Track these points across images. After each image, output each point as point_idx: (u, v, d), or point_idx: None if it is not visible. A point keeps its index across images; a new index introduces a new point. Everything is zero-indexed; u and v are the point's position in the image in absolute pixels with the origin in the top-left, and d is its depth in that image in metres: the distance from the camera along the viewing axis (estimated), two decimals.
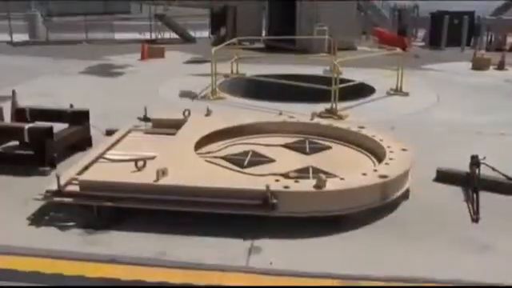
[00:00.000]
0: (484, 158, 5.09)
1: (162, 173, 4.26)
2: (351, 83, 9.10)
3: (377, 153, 5.36)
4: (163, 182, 4.22)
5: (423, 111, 8.59)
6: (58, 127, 5.93)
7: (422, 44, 19.04)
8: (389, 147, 5.16)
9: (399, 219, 4.45)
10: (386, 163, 4.79)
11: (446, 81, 11.57)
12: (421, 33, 20.42)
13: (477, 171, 5.00)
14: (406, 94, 9.79)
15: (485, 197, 4.75)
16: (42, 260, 3.70)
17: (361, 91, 9.70)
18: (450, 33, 17.80)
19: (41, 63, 13.33)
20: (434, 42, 18.19)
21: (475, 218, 4.43)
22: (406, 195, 4.76)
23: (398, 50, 10.87)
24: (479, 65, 13.27)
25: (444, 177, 5.27)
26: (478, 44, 18.21)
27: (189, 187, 4.18)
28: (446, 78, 11.91)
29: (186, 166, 4.64)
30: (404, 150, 5.11)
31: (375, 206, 4.39)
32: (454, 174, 5.24)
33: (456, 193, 4.99)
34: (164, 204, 4.18)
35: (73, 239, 4.01)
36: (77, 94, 9.18)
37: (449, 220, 4.45)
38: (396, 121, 7.69)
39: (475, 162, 5.08)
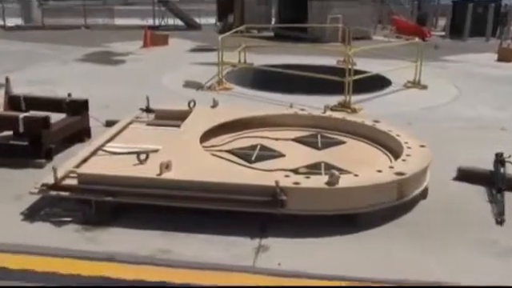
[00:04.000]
0: (510, 156, 5.05)
1: (166, 167, 4.26)
2: (366, 75, 9.08)
3: (393, 149, 5.34)
4: (166, 176, 4.23)
5: (443, 105, 8.56)
6: (55, 117, 5.94)
7: (443, 34, 18.95)
8: (406, 143, 5.14)
9: (416, 220, 4.43)
10: (403, 160, 4.77)
11: (467, 73, 11.51)
12: (441, 22, 20.32)
13: (501, 170, 4.97)
14: (425, 87, 9.76)
15: (510, 198, 4.71)
16: (36, 258, 3.70)
17: (376, 83, 9.68)
18: (474, 22, 17.66)
19: (36, 49, 13.39)
20: (455, 31, 18.09)
21: (499, 220, 4.40)
22: (424, 194, 4.73)
23: (417, 39, 10.81)
24: (505, 56, 13.17)
25: (465, 175, 5.23)
26: (505, 34, 18.06)
27: (193, 182, 4.18)
28: (467, 71, 11.85)
29: (190, 160, 4.64)
30: (422, 146, 5.08)
31: (391, 206, 4.36)
32: (477, 172, 5.20)
33: (478, 193, 4.96)
34: (167, 200, 4.18)
35: (69, 236, 4.02)
36: (75, 82, 9.23)
37: (470, 222, 4.42)
38: (413, 115, 7.66)
39: (500, 159, 5.04)
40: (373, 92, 9.23)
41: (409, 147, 5.03)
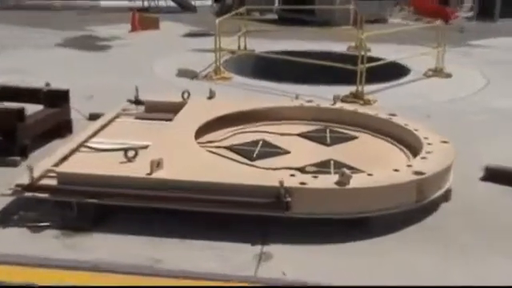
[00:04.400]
0: None
1: (157, 165, 4.28)
2: (381, 62, 9.10)
3: (411, 145, 5.36)
4: (158, 175, 4.25)
5: (468, 96, 8.58)
6: (31, 109, 5.96)
7: (469, 15, 18.91)
8: (426, 138, 5.16)
9: (438, 225, 4.45)
10: (423, 157, 4.79)
11: (497, 60, 11.50)
12: (467, 1, 20.28)
13: None
14: (448, 76, 9.76)
15: None
16: (10, 268, 3.71)
17: (392, 72, 9.68)
18: (505, 1, 17.53)
19: (8, 33, 13.40)
20: (484, 12, 17.99)
21: None
22: (446, 196, 4.75)
23: (439, 22, 10.80)
24: None
25: (493, 175, 5.24)
26: None
27: (188, 182, 4.20)
28: (497, 57, 11.83)
29: (184, 158, 4.66)
30: (444, 142, 5.10)
31: (409, 209, 4.38)
32: (506, 172, 5.22)
33: (508, 194, 4.98)
34: (158, 202, 4.20)
35: (47, 243, 4.03)
36: (54, 70, 9.24)
37: (498, 227, 4.43)
38: (435, 107, 7.68)
39: None
40: (388, 81, 9.23)
41: (429, 143, 5.04)
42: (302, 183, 4.17)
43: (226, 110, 5.92)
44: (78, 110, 6.57)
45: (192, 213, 4.19)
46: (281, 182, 4.07)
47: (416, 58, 10.12)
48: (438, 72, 9.85)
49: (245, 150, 5.31)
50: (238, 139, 5.64)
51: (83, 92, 7.47)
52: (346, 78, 8.45)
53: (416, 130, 5.42)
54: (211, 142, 5.51)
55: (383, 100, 8.06)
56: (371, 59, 8.76)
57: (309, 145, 5.58)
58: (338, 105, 6.37)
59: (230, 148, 5.37)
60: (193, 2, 19.87)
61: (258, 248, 3.99)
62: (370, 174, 4.41)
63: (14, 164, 5.35)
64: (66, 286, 3.53)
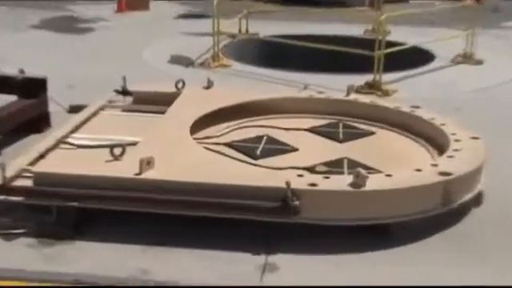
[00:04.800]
0: None
1: (147, 163, 4.28)
2: (402, 47, 9.09)
3: (437, 142, 5.37)
4: (148, 175, 4.25)
5: (502, 85, 8.56)
6: (3, 100, 5.99)
7: None
8: (453, 134, 5.16)
9: (467, 232, 4.44)
10: (450, 156, 4.79)
11: None
12: None
13: None
14: (479, 63, 9.74)
15: None
16: None
17: (415, 58, 9.67)
18: None
19: None
20: None
21: None
22: (477, 200, 4.74)
23: (470, 0, 10.76)
24: None
25: None
26: None
27: (182, 183, 4.21)
28: None
29: (178, 156, 4.67)
30: (474, 138, 5.10)
31: (434, 214, 4.37)
32: None
33: None
34: (148, 205, 4.21)
35: (22, 253, 4.03)
36: (29, 55, 9.24)
37: None
38: (464, 99, 7.66)
39: None
40: (411, 69, 9.22)
41: (457, 140, 5.05)
42: (312, 185, 4.17)
43: (225, 102, 5.92)
44: (56, 101, 6.56)
45: (186, 218, 4.19)
46: (287, 184, 4.06)
47: (442, 41, 10.07)
48: (467, 58, 9.83)
49: (247, 147, 5.32)
50: (239, 135, 5.65)
51: (63, 81, 7.47)
52: (362, 65, 8.44)
53: (442, 125, 5.42)
54: (209, 138, 5.51)
55: (404, 90, 8.05)
56: (390, 44, 8.75)
57: (319, 141, 5.58)
58: (353, 96, 6.36)
59: (229, 145, 5.38)
60: None
61: (261, 258, 3.99)
62: (388, 175, 4.41)
63: None
64: None
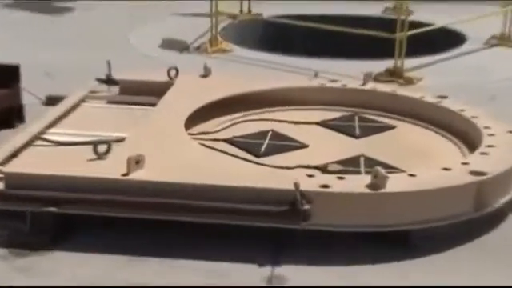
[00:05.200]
0: None
1: (136, 163, 4.28)
2: (428, 28, 9.06)
3: (467, 137, 5.37)
4: (137, 176, 4.25)
5: None
6: None
7: None
8: (487, 128, 5.17)
9: (504, 241, 4.43)
10: (483, 153, 4.78)
11: None
12: None
13: None
14: None
15: None
16: None
17: (443, 40, 9.66)
18: None
19: None
20: None
21: None
22: None
23: None
24: None
25: None
26: None
27: (176, 185, 4.20)
28: None
29: (171, 154, 4.67)
30: (511, 132, 5.10)
31: (464, 220, 4.36)
32: None
33: None
34: (137, 211, 4.20)
35: None
36: None
37: None
38: (499, 87, 7.65)
39: None
40: (437, 53, 9.21)
41: (491, 134, 5.05)
42: (324, 186, 4.16)
43: (224, 92, 5.93)
44: (31, 91, 6.56)
45: (181, 224, 4.19)
46: (296, 185, 4.05)
47: (475, 21, 10.01)
48: (504, 40, 9.81)
49: (249, 143, 5.33)
50: (240, 129, 5.66)
51: (38, 68, 7.47)
52: (381, 49, 8.43)
53: (474, 117, 5.42)
54: (206, 134, 5.53)
55: (430, 78, 8.05)
56: (414, 24, 8.70)
57: (332, 136, 5.60)
58: (371, 85, 6.37)
59: (230, 141, 5.39)
60: None
61: (267, 270, 3.98)
62: (412, 175, 4.39)
63: None
64: None
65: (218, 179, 4.25)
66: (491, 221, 4.53)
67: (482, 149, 4.85)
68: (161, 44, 9.75)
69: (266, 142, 5.36)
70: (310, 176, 4.36)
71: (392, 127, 5.80)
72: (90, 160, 4.48)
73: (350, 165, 4.93)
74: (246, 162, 4.89)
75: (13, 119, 6.18)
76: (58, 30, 10.60)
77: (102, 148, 4.53)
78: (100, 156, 4.51)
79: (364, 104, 6.11)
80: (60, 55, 8.66)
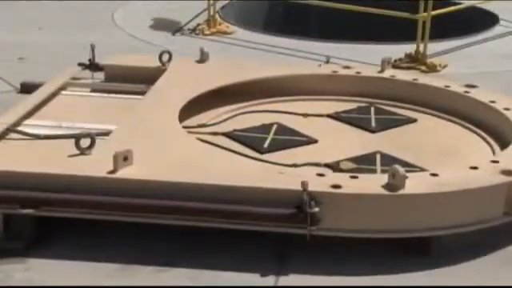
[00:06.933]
0: None
1: (124, 159, 4.29)
2: (454, 7, 9.07)
3: (498, 131, 5.39)
4: (125, 174, 4.26)
5: None
6: None
7: None
8: None
9: None
10: None
11: None
12: None
13: None
14: None
15: None
16: None
17: (472, 22, 9.64)
18: None
19: None
20: None
21: None
22: None
23: None
24: None
25: None
26: None
27: (169, 184, 4.21)
28: None
29: (164, 149, 4.69)
30: None
31: (493, 225, 4.37)
32: None
33: None
34: (125, 213, 4.21)
35: None
36: None
37: None
38: None
39: None
40: (465, 37, 9.22)
41: None
42: (335, 186, 4.16)
43: (224, 80, 5.94)
44: (3, 78, 6.58)
45: (174, 229, 4.22)
46: (303, 185, 4.05)
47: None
48: None
49: (252, 137, 5.35)
50: (241, 122, 5.68)
51: (11, 52, 7.48)
52: (401, 32, 8.44)
53: (506, 110, 5.43)
54: (203, 127, 5.56)
55: (456, 65, 8.06)
56: (439, 4, 8.71)
57: (344, 130, 5.62)
58: (389, 72, 6.38)
59: (229, 135, 5.40)
60: None
61: (271, 279, 4.00)
62: (434, 174, 4.40)
63: None
64: None
65: (216, 178, 4.25)
66: None
67: None
68: (151, 24, 9.75)
69: (271, 136, 5.37)
70: (320, 175, 4.37)
71: (412, 120, 5.81)
72: (72, 156, 4.46)
73: (364, 162, 4.94)
74: (247, 159, 4.89)
75: None
76: (33, 8, 10.58)
77: (85, 142, 4.51)
78: (83, 151, 4.49)
79: (381, 94, 6.12)
80: (35, 36, 8.67)
